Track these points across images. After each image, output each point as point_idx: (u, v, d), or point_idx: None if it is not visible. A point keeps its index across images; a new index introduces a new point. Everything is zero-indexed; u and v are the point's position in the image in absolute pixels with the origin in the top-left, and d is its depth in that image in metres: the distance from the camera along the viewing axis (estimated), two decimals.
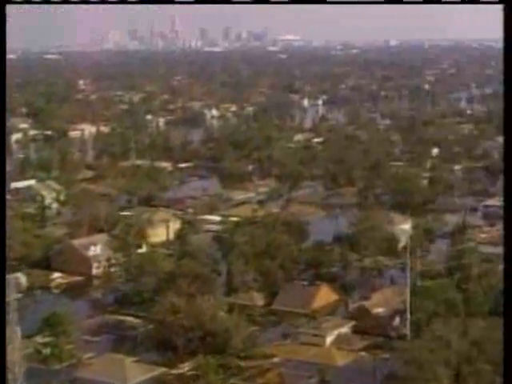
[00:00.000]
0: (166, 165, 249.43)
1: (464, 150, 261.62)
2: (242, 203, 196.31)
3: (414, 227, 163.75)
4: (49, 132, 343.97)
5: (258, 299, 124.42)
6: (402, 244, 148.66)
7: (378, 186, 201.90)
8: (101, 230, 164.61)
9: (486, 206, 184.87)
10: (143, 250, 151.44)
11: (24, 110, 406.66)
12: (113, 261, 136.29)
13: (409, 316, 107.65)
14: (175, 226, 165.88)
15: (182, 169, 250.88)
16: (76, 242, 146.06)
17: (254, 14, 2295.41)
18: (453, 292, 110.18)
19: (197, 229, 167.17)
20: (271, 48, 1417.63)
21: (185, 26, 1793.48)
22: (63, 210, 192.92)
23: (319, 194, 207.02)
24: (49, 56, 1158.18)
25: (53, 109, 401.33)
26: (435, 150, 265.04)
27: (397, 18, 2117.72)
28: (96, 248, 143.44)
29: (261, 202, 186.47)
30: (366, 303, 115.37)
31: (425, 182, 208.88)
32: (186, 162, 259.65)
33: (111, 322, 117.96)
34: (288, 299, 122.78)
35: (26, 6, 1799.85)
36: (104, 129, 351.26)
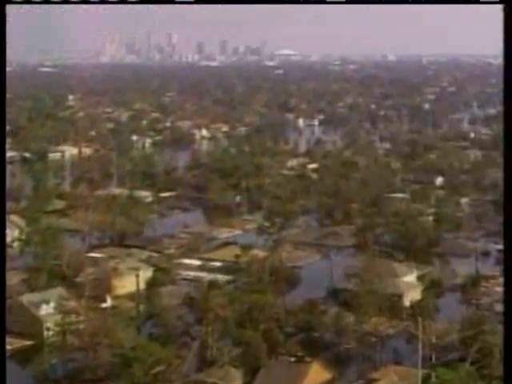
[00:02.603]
0: (147, 194, 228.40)
1: (470, 180, 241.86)
2: (226, 244, 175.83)
3: (420, 278, 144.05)
4: (27, 154, 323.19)
5: (236, 377, 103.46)
6: (406, 302, 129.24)
7: (377, 224, 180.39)
8: (63, 277, 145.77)
9: (500, 251, 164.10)
10: (107, 303, 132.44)
11: (7, 128, 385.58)
12: (66, 326, 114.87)
13: None
14: (146, 274, 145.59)
15: (163, 199, 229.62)
16: (25, 299, 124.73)
17: (252, 27, 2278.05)
18: (473, 381, 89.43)
19: (171, 277, 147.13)
20: (268, 63, 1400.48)
21: (182, 39, 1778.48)
22: (26, 250, 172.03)
23: (313, 233, 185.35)
24: (44, 69, 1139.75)
25: (35, 127, 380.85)
26: (439, 179, 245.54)
27: (394, 29, 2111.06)
28: (49, 306, 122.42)
29: (246, 246, 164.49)
30: None
31: (429, 218, 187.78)
32: (168, 190, 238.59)
33: None
34: (271, 379, 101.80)
35: (26, 10, 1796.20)
36: (86, 150, 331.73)
